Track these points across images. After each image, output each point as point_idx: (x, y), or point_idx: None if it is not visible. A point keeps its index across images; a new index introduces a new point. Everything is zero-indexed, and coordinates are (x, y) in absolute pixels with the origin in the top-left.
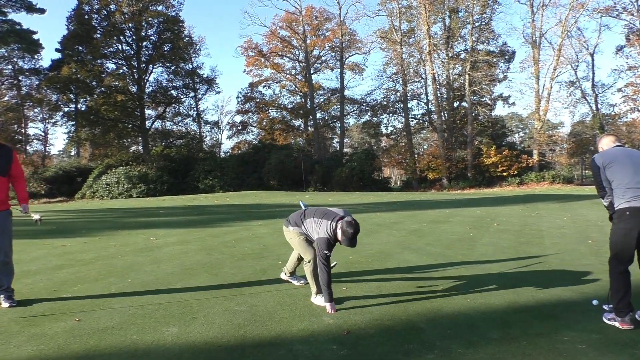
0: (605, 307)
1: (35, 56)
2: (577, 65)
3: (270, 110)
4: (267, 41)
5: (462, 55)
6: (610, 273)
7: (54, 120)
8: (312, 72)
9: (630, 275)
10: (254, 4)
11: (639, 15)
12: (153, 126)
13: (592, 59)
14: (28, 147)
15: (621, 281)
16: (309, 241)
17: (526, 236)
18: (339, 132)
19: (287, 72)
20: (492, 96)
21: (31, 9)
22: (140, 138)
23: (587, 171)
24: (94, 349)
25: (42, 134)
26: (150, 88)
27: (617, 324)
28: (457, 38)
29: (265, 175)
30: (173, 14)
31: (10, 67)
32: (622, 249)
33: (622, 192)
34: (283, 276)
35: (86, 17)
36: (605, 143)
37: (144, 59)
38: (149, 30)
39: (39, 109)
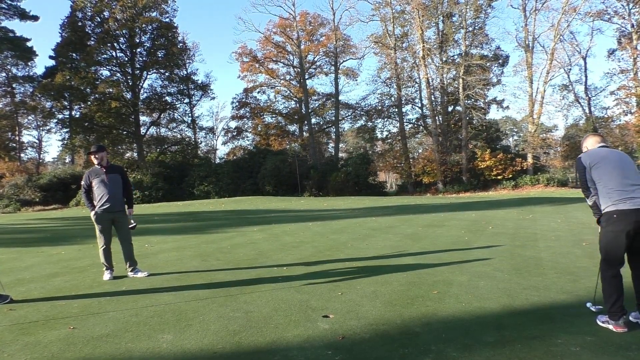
0: (592, 307)
1: (29, 63)
2: (570, 69)
3: (265, 116)
4: (262, 47)
5: (456, 60)
6: (602, 276)
7: (48, 127)
8: (306, 77)
9: (622, 279)
10: (248, 10)
11: (630, 19)
12: (148, 132)
13: (585, 63)
14: (22, 155)
15: (613, 285)
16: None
17: (521, 239)
18: (334, 137)
19: (282, 77)
20: (486, 100)
21: (24, 16)
22: (135, 145)
23: (577, 173)
24: (89, 357)
25: (36, 141)
26: (145, 94)
27: (611, 327)
28: (450, 42)
29: (261, 180)
30: (167, 20)
31: (4, 74)
32: (611, 251)
33: (609, 193)
34: (129, 274)
35: (80, 24)
36: (590, 143)
37: (138, 66)
38: (143, 37)
39: (33, 116)
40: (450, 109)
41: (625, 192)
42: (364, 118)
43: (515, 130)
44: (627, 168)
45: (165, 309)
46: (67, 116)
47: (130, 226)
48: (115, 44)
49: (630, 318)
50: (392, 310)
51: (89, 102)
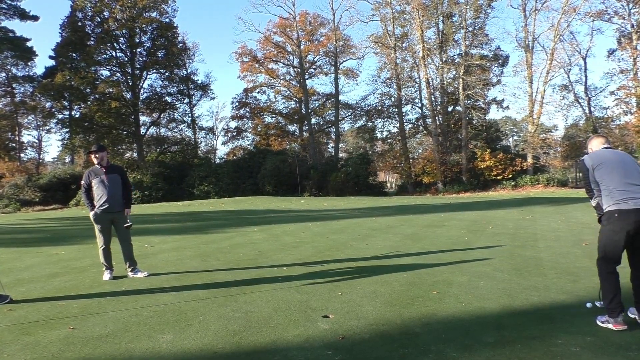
0: (597, 304)
1: (29, 63)
2: (570, 69)
3: (265, 116)
4: (262, 47)
5: (456, 60)
6: (600, 274)
7: (48, 127)
8: (306, 77)
9: (619, 277)
10: (248, 10)
11: (630, 19)
12: (148, 132)
13: (585, 63)
14: (22, 155)
15: (611, 282)
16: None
17: (521, 239)
18: (334, 137)
19: (282, 77)
20: (486, 100)
21: (24, 16)
22: (134, 145)
23: (580, 174)
24: (89, 357)
25: (36, 141)
26: (145, 94)
27: (610, 326)
28: (450, 42)
29: (261, 180)
30: (167, 20)
31: (4, 74)
32: (610, 250)
33: (611, 193)
34: (129, 274)
35: (80, 24)
36: (595, 144)
37: (138, 66)
38: (143, 37)
39: (32, 116)
40: (450, 109)
41: (627, 192)
42: (364, 118)
43: (515, 130)
44: (630, 168)
45: (165, 309)
46: (67, 116)
47: (125, 225)
48: (115, 44)
49: (629, 313)
50: (392, 310)
51: (89, 102)
